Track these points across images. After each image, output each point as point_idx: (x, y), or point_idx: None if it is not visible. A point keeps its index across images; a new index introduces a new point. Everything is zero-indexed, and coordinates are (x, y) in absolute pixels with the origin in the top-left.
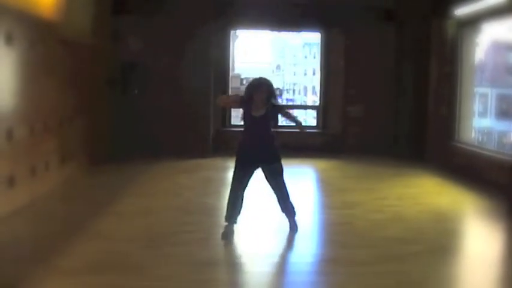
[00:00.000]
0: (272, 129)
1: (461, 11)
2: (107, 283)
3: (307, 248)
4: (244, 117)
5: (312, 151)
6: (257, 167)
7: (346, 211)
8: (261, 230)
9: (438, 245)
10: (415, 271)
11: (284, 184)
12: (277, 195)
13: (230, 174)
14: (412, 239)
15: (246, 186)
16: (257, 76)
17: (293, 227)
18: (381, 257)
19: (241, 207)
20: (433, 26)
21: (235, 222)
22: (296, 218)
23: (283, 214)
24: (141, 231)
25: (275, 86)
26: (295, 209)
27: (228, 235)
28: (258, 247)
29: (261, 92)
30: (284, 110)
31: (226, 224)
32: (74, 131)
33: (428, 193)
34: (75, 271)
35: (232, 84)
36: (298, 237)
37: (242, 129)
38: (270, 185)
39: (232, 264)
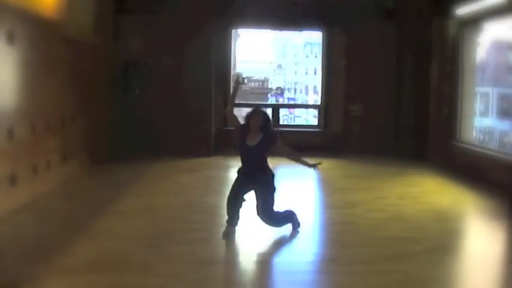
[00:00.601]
0: (265, 158)
1: (462, 11)
2: (108, 282)
3: (308, 247)
4: (239, 146)
5: (313, 150)
6: (251, 189)
7: (347, 210)
8: (263, 229)
9: (439, 244)
10: (416, 270)
11: (271, 209)
12: (259, 213)
13: (232, 173)
14: (413, 238)
15: (242, 200)
16: (256, 106)
17: (295, 227)
18: (381, 256)
19: (238, 215)
20: (434, 25)
21: (236, 225)
22: (293, 220)
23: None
24: (142, 230)
25: (269, 115)
26: (288, 217)
27: (228, 234)
28: (259, 246)
29: (257, 117)
30: (281, 148)
31: (227, 225)
32: (75, 130)
33: (430, 192)
34: (77, 270)
35: (233, 83)
36: (299, 236)
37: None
38: (257, 204)
39: (233, 263)
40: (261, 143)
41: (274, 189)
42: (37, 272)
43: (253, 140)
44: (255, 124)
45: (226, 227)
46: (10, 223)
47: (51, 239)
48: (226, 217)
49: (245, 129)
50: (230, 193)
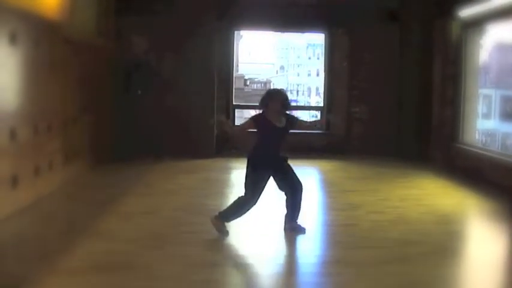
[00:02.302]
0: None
1: (465, 12)
2: (109, 283)
3: (311, 249)
4: (264, 128)
5: (315, 152)
6: (271, 175)
7: (350, 212)
8: (265, 231)
9: (441, 246)
10: (418, 272)
11: (298, 181)
12: (288, 195)
13: (233, 175)
14: (415, 240)
15: (258, 199)
16: (272, 89)
17: (300, 230)
18: (383, 258)
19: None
20: (437, 27)
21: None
22: (298, 222)
23: (287, 217)
24: (143, 231)
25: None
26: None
27: (222, 231)
28: (261, 248)
29: (276, 101)
30: (300, 123)
31: (222, 222)
32: (77, 131)
33: (432, 194)
34: (78, 271)
35: (236, 85)
36: (302, 238)
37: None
38: (284, 188)
39: (234, 265)
40: (287, 124)
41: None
42: (38, 272)
43: (280, 122)
44: (274, 107)
45: (222, 224)
46: (12, 224)
47: (52, 239)
48: (223, 214)
49: (262, 117)
50: (252, 197)
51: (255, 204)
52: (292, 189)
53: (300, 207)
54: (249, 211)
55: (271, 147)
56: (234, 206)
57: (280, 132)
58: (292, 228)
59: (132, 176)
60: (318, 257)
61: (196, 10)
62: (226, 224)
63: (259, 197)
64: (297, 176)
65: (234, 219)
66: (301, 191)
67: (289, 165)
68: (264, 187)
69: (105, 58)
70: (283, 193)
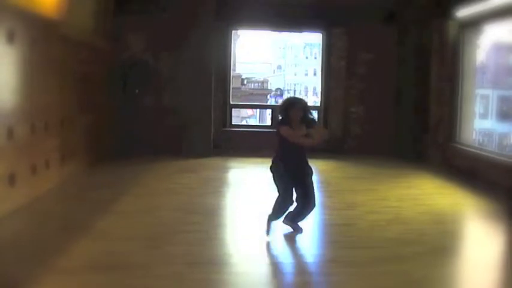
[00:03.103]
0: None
1: (462, 13)
2: (107, 282)
3: (308, 249)
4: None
5: (312, 151)
6: (293, 177)
7: (347, 212)
8: (261, 230)
9: (438, 246)
10: (416, 272)
11: (313, 196)
12: (303, 194)
13: (230, 174)
14: (412, 240)
15: (293, 194)
16: (291, 96)
17: (297, 230)
18: (381, 258)
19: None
20: (435, 27)
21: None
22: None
23: (294, 214)
24: (141, 230)
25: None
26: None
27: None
28: (258, 248)
29: (297, 109)
30: (317, 127)
31: (271, 221)
32: (74, 130)
33: (429, 194)
34: (76, 270)
35: (233, 84)
36: (299, 238)
37: (281, 147)
38: (298, 196)
39: (232, 264)
40: (307, 129)
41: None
42: (35, 272)
43: (301, 130)
44: (295, 116)
45: (271, 224)
46: (9, 223)
47: (49, 239)
48: (272, 216)
49: (286, 119)
50: (286, 193)
51: (291, 199)
52: (304, 203)
53: (303, 218)
54: (289, 207)
55: (294, 154)
56: (274, 206)
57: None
58: (292, 224)
59: (130, 175)
60: (315, 257)
61: (194, 9)
62: (274, 223)
63: (292, 191)
64: (314, 194)
65: (280, 216)
66: (312, 209)
67: (311, 181)
68: (292, 183)
69: (102, 57)
70: (294, 199)
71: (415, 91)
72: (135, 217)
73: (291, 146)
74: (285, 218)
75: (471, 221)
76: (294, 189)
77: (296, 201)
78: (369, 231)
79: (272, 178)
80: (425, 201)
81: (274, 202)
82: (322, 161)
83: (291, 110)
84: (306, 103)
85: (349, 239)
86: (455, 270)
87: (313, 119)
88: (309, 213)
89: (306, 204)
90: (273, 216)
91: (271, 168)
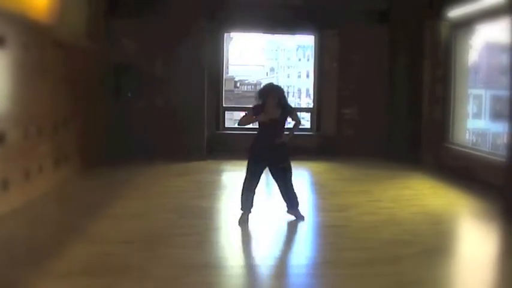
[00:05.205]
0: (283, 132)
1: (454, 13)
2: (101, 286)
3: (302, 251)
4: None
5: (306, 153)
6: (267, 165)
7: (341, 213)
8: (256, 233)
9: (433, 246)
10: (410, 273)
11: (291, 183)
12: (281, 190)
13: (224, 177)
14: (406, 240)
15: (258, 181)
16: (268, 83)
17: (300, 217)
18: (375, 259)
19: (253, 199)
20: (427, 27)
21: (250, 212)
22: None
23: (287, 205)
24: (135, 233)
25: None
26: (298, 201)
27: (243, 221)
28: (252, 250)
29: (272, 96)
30: (294, 113)
31: (242, 212)
32: (68, 134)
33: (423, 195)
34: (70, 274)
35: (226, 86)
36: (293, 239)
37: (256, 131)
38: (277, 182)
39: (226, 267)
40: (281, 116)
41: (290, 168)
42: (29, 276)
43: (275, 114)
44: (272, 101)
45: (242, 214)
46: (2, 227)
47: (43, 243)
48: (240, 206)
49: (263, 105)
50: (247, 178)
51: (255, 184)
52: (283, 181)
53: (295, 195)
54: (252, 196)
55: (267, 137)
56: (241, 192)
57: (272, 124)
58: (293, 215)
59: (123, 178)
60: (309, 259)
61: (186, 12)
62: (245, 213)
63: (257, 179)
64: (295, 193)
65: (246, 206)
66: (291, 178)
67: (286, 168)
68: (261, 171)
69: (95, 61)
70: (276, 184)
71: (407, 92)
72: (129, 220)
73: (262, 129)
74: (287, 208)
75: (465, 221)
76: (257, 182)
77: (278, 185)
78: (362, 233)
79: (247, 163)
80: (419, 202)
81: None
82: (315, 162)
83: (268, 97)
84: (281, 90)
85: (343, 241)
86: (449, 270)
87: (288, 105)
88: (292, 184)
89: (284, 180)
90: (241, 205)
91: (248, 154)
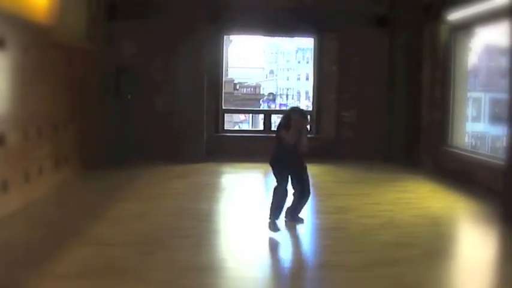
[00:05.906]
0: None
1: (454, 16)
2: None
3: (301, 253)
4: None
5: (305, 156)
6: (291, 171)
7: (339, 216)
8: (254, 235)
9: (432, 249)
10: (409, 275)
11: (308, 189)
12: (296, 195)
13: (223, 179)
14: (405, 243)
15: (287, 182)
16: (295, 106)
17: (299, 220)
18: (374, 262)
19: (283, 206)
20: (426, 30)
21: (278, 218)
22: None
23: (291, 214)
24: (134, 236)
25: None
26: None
27: (274, 227)
28: (250, 252)
29: (300, 122)
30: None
31: (270, 219)
32: (67, 136)
33: (422, 198)
34: (69, 276)
35: (226, 89)
36: (291, 242)
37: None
38: (296, 186)
39: (225, 269)
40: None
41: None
42: (28, 277)
43: (293, 139)
44: (296, 126)
45: (273, 220)
46: (2, 229)
47: (42, 245)
48: (269, 214)
49: (287, 123)
50: (278, 183)
51: (285, 189)
52: (301, 194)
53: (302, 207)
54: (286, 198)
55: (286, 153)
56: (272, 199)
57: (292, 146)
58: (293, 219)
59: (123, 180)
60: (308, 261)
61: (186, 15)
62: (276, 221)
63: (286, 180)
64: (309, 185)
65: (276, 213)
66: (307, 198)
67: (306, 173)
68: (287, 175)
69: (94, 63)
70: (293, 191)
71: (407, 95)
72: (128, 222)
73: (282, 144)
74: (286, 216)
75: (464, 224)
76: (290, 180)
77: (293, 194)
78: (361, 235)
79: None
80: (418, 205)
81: (272, 194)
82: (315, 165)
83: (296, 120)
84: (306, 116)
85: (342, 243)
86: (448, 273)
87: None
88: (305, 203)
89: (302, 194)
90: (273, 208)
91: (270, 163)
